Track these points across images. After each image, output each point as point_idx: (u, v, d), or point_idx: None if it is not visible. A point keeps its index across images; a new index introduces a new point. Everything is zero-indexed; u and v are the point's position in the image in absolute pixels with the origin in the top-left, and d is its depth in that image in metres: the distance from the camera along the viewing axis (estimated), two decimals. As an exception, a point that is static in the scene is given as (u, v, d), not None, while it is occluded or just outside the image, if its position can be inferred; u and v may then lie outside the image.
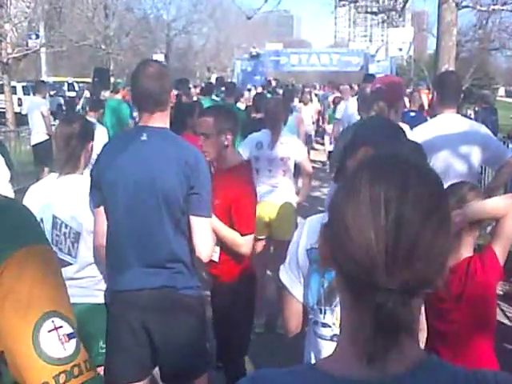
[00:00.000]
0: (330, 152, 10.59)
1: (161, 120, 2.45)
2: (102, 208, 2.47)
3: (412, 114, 7.08)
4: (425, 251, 0.72)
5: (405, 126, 4.00)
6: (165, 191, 2.35)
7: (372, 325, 0.72)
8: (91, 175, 2.52)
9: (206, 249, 2.44)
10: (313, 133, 10.91)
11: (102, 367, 2.73)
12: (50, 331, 0.98)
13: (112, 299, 2.53)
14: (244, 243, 2.95)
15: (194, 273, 2.49)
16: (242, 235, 2.95)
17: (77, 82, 28.56)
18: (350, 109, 9.31)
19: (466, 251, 2.23)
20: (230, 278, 3.02)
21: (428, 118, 7.44)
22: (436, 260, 0.74)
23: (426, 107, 10.56)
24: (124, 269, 2.42)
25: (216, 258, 2.95)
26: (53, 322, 0.99)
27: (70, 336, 1.00)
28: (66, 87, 28.03)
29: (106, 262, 2.53)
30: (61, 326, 1.00)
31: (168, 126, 2.51)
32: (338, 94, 13.92)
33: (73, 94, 25.26)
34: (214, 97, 9.70)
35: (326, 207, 0.80)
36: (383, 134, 1.80)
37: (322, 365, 0.84)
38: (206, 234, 2.44)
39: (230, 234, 2.93)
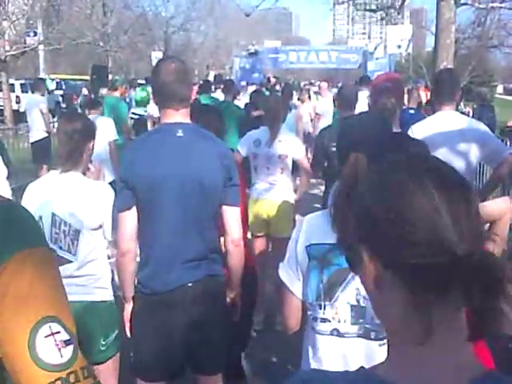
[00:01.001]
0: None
1: (186, 116, 2.49)
2: (133, 209, 2.41)
3: (411, 111, 7.08)
4: (475, 218, 0.79)
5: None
6: (210, 185, 2.43)
7: (478, 289, 0.73)
8: (122, 177, 2.44)
9: (238, 235, 2.58)
10: (311, 130, 10.89)
11: (108, 363, 2.74)
12: (46, 336, 0.96)
13: (149, 301, 2.48)
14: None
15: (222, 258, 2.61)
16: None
17: (63, 80, 27.94)
18: (325, 105, 9.38)
19: None
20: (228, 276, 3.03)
21: (426, 116, 7.45)
22: (481, 225, 0.82)
23: (424, 105, 10.56)
24: (171, 268, 2.42)
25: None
26: (50, 327, 0.97)
27: (66, 342, 0.98)
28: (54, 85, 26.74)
29: (139, 265, 2.48)
30: (58, 332, 0.98)
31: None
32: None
33: (60, 92, 24.88)
34: (212, 94, 9.69)
35: (331, 206, 0.80)
36: (375, 136, 1.82)
37: (380, 372, 0.83)
38: (237, 222, 2.58)
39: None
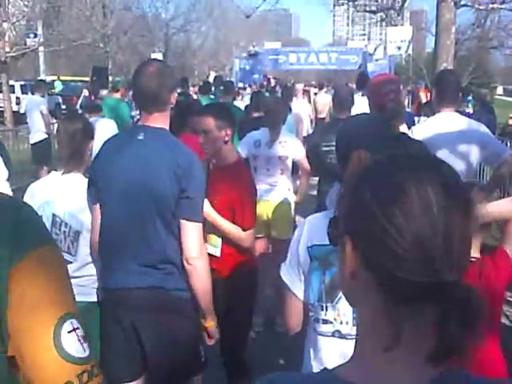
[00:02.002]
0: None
1: (159, 120, 2.42)
2: (98, 205, 2.48)
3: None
4: (469, 241, 0.76)
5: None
6: (156, 192, 2.32)
7: (456, 320, 0.71)
8: (89, 173, 2.55)
9: (193, 253, 2.38)
10: (311, 131, 10.89)
11: None
12: (69, 332, 1.00)
13: (103, 297, 2.54)
14: (247, 237, 3.04)
15: (184, 275, 2.43)
16: (243, 230, 3.02)
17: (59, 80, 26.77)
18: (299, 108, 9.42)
19: (475, 252, 2.25)
20: (230, 273, 3.05)
21: (417, 118, 7.46)
22: (470, 248, 0.77)
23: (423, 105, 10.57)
24: (115, 267, 2.42)
25: (218, 252, 3.03)
26: (71, 323, 1.02)
27: (85, 337, 1.03)
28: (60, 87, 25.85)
29: (98, 260, 2.55)
30: (78, 327, 1.03)
31: (167, 126, 2.47)
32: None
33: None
34: (211, 96, 9.69)
35: (332, 207, 0.78)
36: (374, 135, 1.82)
37: (344, 373, 0.82)
38: (193, 239, 2.38)
39: (233, 229, 3.02)
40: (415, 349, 0.75)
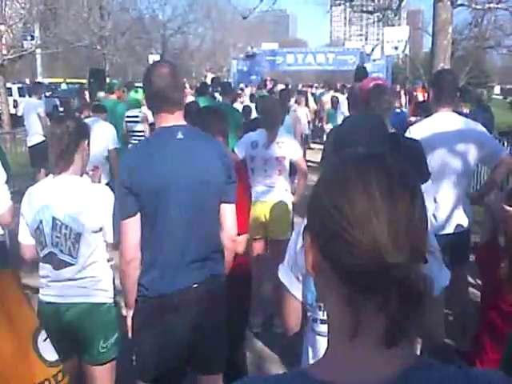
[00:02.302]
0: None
1: (181, 118, 2.51)
2: (137, 216, 2.39)
3: (397, 110, 7.17)
4: (417, 225, 0.79)
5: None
6: (214, 184, 2.47)
7: (395, 300, 0.75)
8: (124, 185, 2.38)
9: (235, 231, 2.64)
10: (308, 132, 10.91)
11: (106, 365, 2.76)
12: (44, 340, 1.16)
13: (155, 304, 2.47)
14: (239, 242, 2.98)
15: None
16: (237, 235, 2.95)
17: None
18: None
19: None
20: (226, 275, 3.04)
21: (414, 118, 7.46)
22: (424, 234, 0.80)
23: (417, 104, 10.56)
24: (173, 271, 2.43)
25: None
26: (43, 332, 1.17)
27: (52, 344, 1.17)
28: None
29: (143, 270, 2.46)
30: (47, 337, 1.17)
31: None
32: (334, 94, 13.94)
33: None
34: (209, 97, 9.69)
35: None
36: (365, 134, 1.83)
37: (313, 370, 0.84)
38: (234, 219, 2.63)
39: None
40: (376, 335, 0.79)
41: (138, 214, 2.39)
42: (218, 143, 2.65)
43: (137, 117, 8.07)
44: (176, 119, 2.47)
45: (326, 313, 0.89)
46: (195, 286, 2.46)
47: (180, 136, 2.44)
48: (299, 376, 0.84)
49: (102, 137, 5.94)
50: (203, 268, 2.49)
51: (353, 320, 0.78)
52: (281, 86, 16.15)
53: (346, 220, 0.77)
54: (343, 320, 0.81)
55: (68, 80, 28.11)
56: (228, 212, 2.59)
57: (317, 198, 0.84)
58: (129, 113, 8.17)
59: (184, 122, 2.52)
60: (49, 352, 1.15)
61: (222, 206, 2.56)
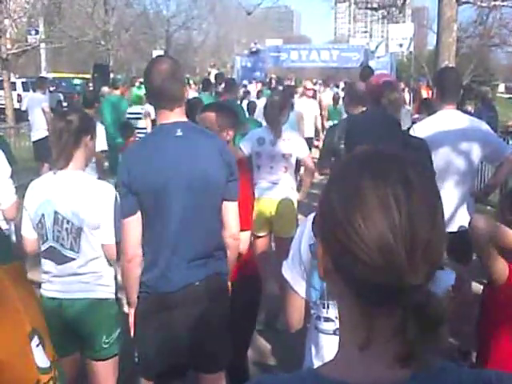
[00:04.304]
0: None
1: (182, 114, 2.49)
2: (138, 214, 2.39)
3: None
4: (438, 241, 0.74)
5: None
6: (213, 182, 2.44)
7: (414, 325, 0.71)
8: (123, 183, 2.39)
9: (237, 229, 2.60)
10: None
11: (109, 361, 2.76)
12: (37, 346, 1.12)
13: (157, 301, 2.47)
14: (242, 239, 2.94)
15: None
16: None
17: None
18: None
19: None
20: (233, 279, 2.98)
21: (418, 116, 7.42)
22: (443, 248, 0.76)
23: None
24: (174, 269, 2.41)
25: None
26: (37, 337, 1.13)
27: (45, 350, 1.16)
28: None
29: (144, 267, 2.46)
30: (41, 341, 1.14)
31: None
32: (337, 91, 13.89)
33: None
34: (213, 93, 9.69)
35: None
36: (379, 131, 1.82)
37: (325, 370, 0.82)
38: (237, 216, 2.60)
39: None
40: (387, 348, 0.75)
41: (139, 213, 2.39)
42: (219, 140, 2.61)
43: (139, 113, 8.07)
44: (176, 116, 2.45)
45: (338, 312, 0.85)
46: (197, 284, 2.44)
47: (179, 133, 2.42)
48: (311, 376, 0.82)
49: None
50: (205, 266, 2.47)
51: (364, 331, 0.75)
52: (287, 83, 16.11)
53: (360, 238, 0.72)
54: (355, 328, 0.78)
55: (73, 75, 28.09)
56: (230, 210, 2.56)
57: (330, 207, 0.78)
58: (131, 109, 8.17)
59: (184, 119, 2.50)
60: (40, 358, 1.12)
61: (224, 203, 2.53)
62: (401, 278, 0.70)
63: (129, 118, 8.10)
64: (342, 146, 4.11)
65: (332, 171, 0.86)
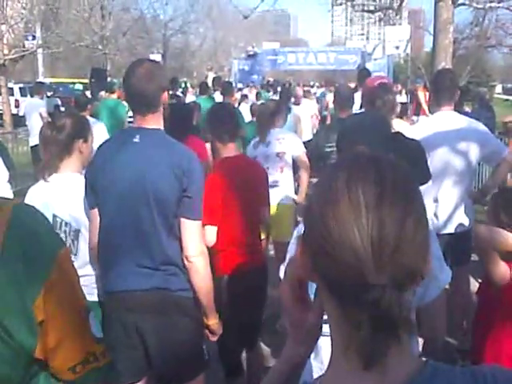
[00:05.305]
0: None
1: (153, 121, 2.41)
2: (96, 210, 2.45)
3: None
4: (408, 245, 0.72)
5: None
6: (156, 194, 2.31)
7: (369, 324, 0.71)
8: (86, 177, 2.49)
9: (192, 251, 2.39)
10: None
11: None
12: (94, 317, 1.29)
13: (106, 299, 2.52)
14: (206, 233, 2.89)
15: (186, 275, 2.44)
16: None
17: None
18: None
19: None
20: (242, 268, 3.08)
21: (416, 118, 7.41)
22: (419, 253, 0.74)
23: (424, 105, 10.56)
24: (117, 270, 2.40)
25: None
26: (91, 312, 1.29)
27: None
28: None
29: (98, 263, 2.53)
30: (95, 315, 1.30)
31: (161, 126, 2.46)
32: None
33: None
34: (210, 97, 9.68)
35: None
36: (376, 134, 1.83)
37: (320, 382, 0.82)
38: (194, 237, 2.39)
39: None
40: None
41: (96, 209, 2.45)
42: (179, 153, 2.39)
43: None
44: (146, 121, 2.39)
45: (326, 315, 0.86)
46: (138, 293, 2.37)
47: (136, 139, 2.36)
48: None
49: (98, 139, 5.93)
50: (149, 277, 2.37)
51: (346, 332, 0.75)
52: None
53: (328, 231, 0.73)
54: (338, 330, 0.79)
55: (70, 80, 28.08)
56: (186, 229, 2.38)
57: (308, 208, 0.80)
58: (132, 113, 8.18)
59: (155, 125, 2.41)
60: (96, 328, 1.25)
61: (181, 220, 2.38)
62: (365, 276, 0.70)
63: (130, 122, 8.11)
64: (328, 149, 4.15)
65: (319, 174, 0.88)
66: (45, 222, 1.30)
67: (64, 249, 1.25)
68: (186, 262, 2.40)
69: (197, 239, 2.41)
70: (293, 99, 10.16)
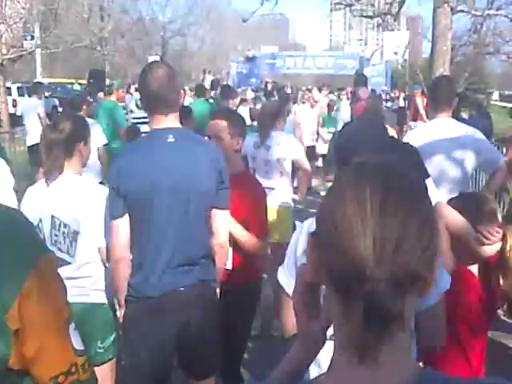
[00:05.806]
0: (323, 156, 10.54)
1: (176, 121, 2.50)
2: (125, 217, 2.42)
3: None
4: (411, 244, 0.75)
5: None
6: (204, 189, 2.45)
7: (362, 314, 0.73)
8: (112, 186, 2.44)
9: (225, 238, 2.60)
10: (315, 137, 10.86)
11: (104, 366, 2.77)
12: (74, 329, 1.24)
13: (144, 305, 2.47)
14: (264, 245, 3.09)
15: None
16: (258, 238, 3.01)
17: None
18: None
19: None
20: (237, 286, 2.97)
21: (413, 123, 7.42)
22: (423, 254, 0.76)
23: (422, 111, 10.58)
24: (159, 273, 2.42)
25: (229, 265, 2.95)
26: (73, 322, 1.24)
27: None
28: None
29: (132, 271, 2.47)
30: (75, 327, 1.25)
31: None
32: (332, 98, 13.92)
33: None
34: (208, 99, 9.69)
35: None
36: (373, 140, 1.84)
37: (321, 381, 0.84)
38: (226, 225, 2.60)
39: (251, 238, 2.98)
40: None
41: (127, 216, 2.41)
42: (212, 148, 2.59)
43: (145, 118, 8.06)
44: (169, 121, 2.46)
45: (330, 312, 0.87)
46: (182, 289, 2.44)
47: (171, 139, 2.43)
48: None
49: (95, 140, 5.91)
50: (190, 272, 2.47)
51: (347, 329, 0.77)
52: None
53: (335, 225, 0.77)
54: (340, 329, 0.80)
55: (69, 80, 28.06)
56: (219, 218, 2.55)
57: (322, 202, 0.84)
58: (137, 114, 8.16)
59: (177, 125, 2.50)
60: (76, 341, 1.22)
61: (214, 211, 2.53)
62: (364, 269, 0.73)
63: (135, 123, 8.10)
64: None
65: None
66: (25, 228, 1.26)
67: (45, 255, 1.22)
68: (217, 248, 2.57)
69: (227, 227, 2.62)
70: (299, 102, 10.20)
